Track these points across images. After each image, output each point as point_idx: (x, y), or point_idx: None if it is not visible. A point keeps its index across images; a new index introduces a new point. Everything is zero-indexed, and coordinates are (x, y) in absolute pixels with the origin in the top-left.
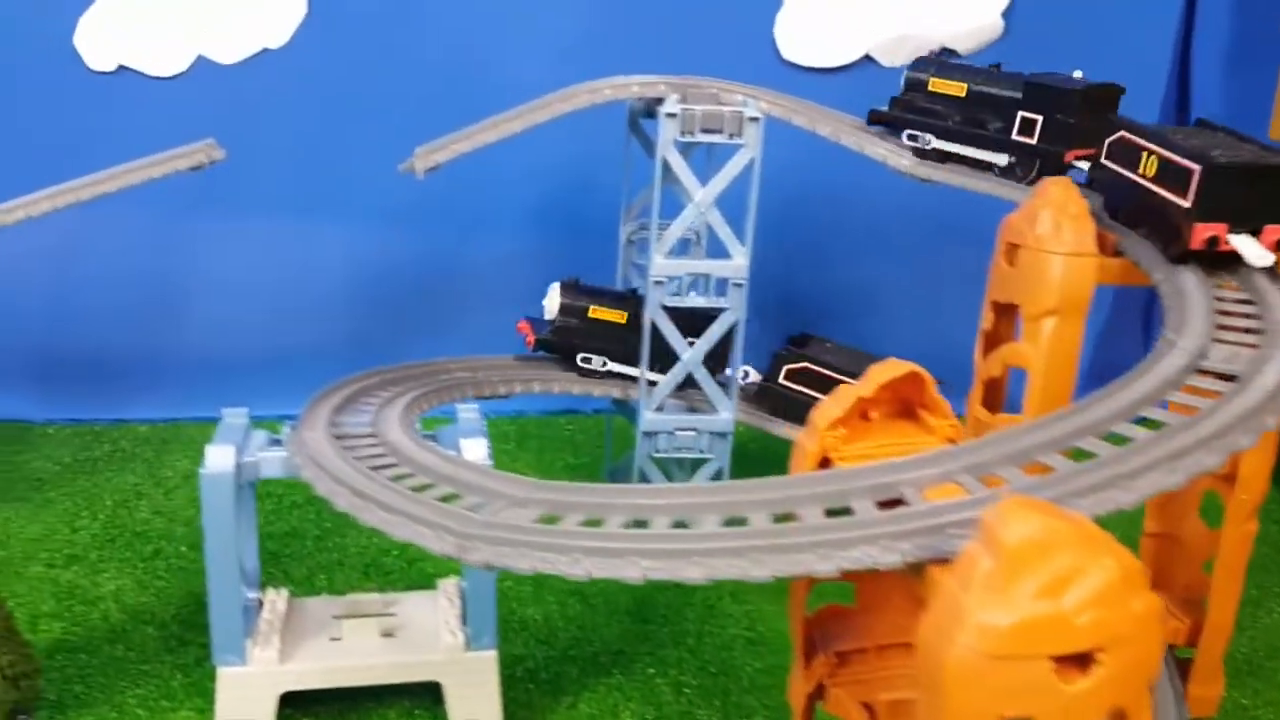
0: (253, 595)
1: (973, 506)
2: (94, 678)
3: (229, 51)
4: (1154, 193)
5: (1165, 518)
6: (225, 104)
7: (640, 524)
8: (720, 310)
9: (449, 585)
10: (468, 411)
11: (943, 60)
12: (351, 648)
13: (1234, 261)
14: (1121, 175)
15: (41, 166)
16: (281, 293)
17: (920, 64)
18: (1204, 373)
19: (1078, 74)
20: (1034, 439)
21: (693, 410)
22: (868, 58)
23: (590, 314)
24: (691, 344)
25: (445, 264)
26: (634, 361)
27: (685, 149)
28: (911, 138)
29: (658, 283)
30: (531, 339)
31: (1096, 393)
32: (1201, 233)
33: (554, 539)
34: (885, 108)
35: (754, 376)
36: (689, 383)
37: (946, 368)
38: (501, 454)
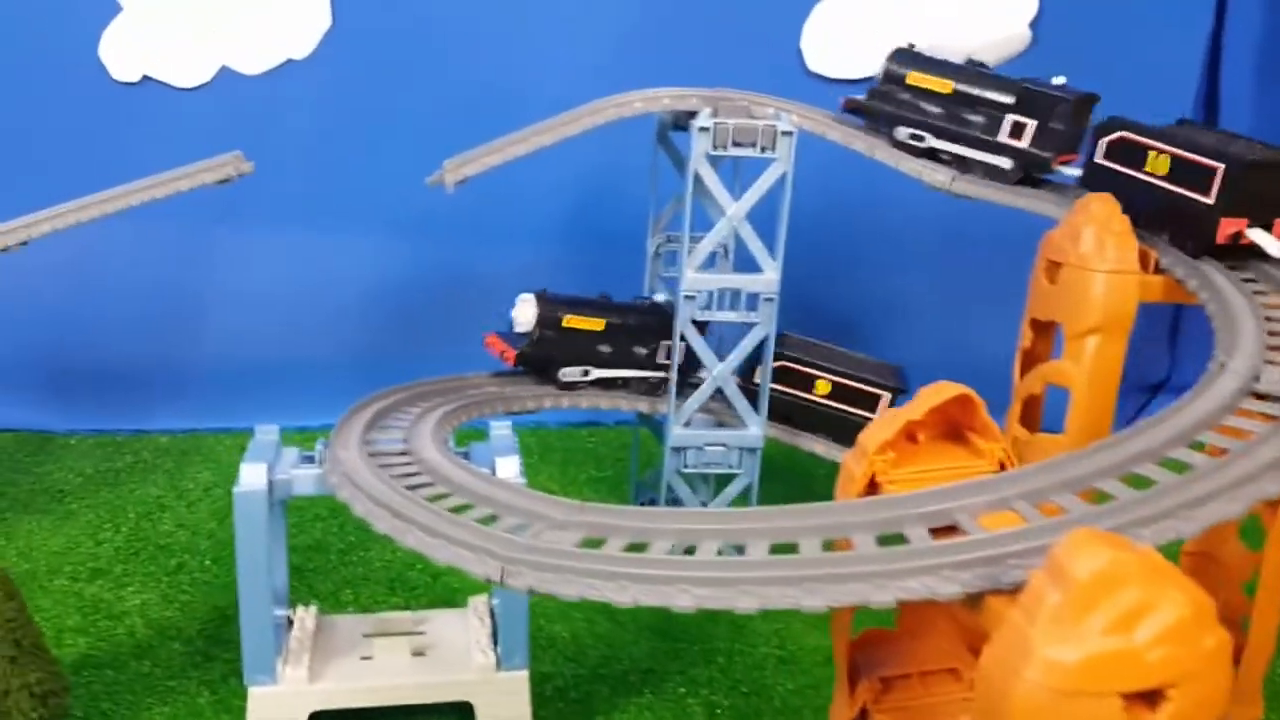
0: (282, 613)
1: (1032, 536)
2: (121, 694)
3: (253, 62)
4: (1169, 190)
5: (1205, 538)
6: (248, 115)
7: (687, 550)
8: (751, 325)
9: (479, 603)
10: (500, 428)
11: (920, 54)
12: (382, 667)
13: (1249, 254)
14: (1125, 175)
15: (65, 176)
16: (302, 304)
17: (899, 56)
18: (1259, 396)
19: (1060, 79)
20: (1091, 465)
21: (721, 425)
22: None
23: (565, 323)
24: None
25: (467, 276)
26: (613, 368)
27: (713, 161)
28: (916, 137)
29: (689, 297)
30: (511, 355)
31: (1151, 417)
32: (1227, 228)
33: (599, 564)
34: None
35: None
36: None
37: (968, 380)
38: (524, 467)
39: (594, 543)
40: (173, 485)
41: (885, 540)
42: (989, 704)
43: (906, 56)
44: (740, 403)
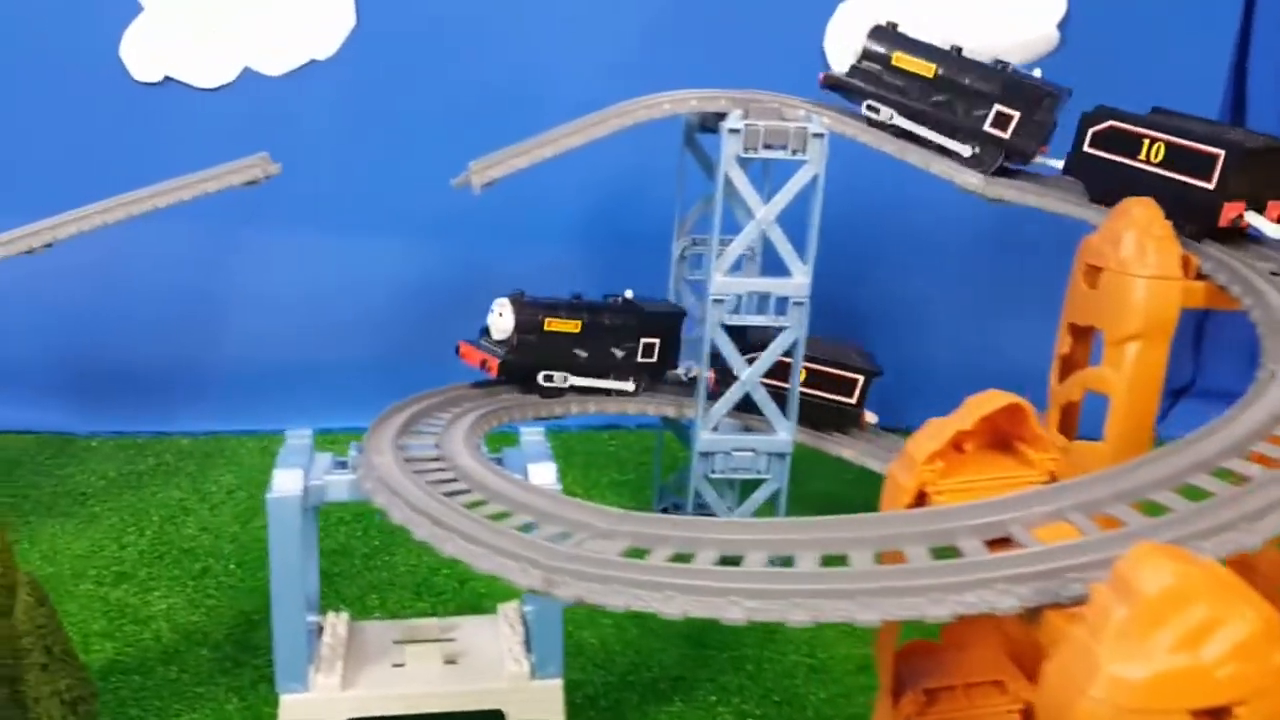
0: (314, 619)
1: (1091, 549)
2: (149, 701)
3: (275, 63)
4: (1167, 177)
5: None
6: (271, 116)
7: (733, 560)
8: (781, 328)
9: (509, 610)
10: (531, 434)
11: (901, 34)
12: (414, 674)
13: (1240, 237)
14: (1116, 163)
15: (84, 177)
16: (324, 306)
17: (879, 35)
18: None
19: (1037, 72)
20: (1145, 476)
21: (748, 430)
22: None
23: (547, 327)
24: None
25: (489, 278)
26: (590, 373)
27: (742, 163)
28: (871, 109)
29: (717, 300)
30: (495, 365)
31: (1202, 428)
32: (1229, 212)
33: (646, 574)
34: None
35: (695, 371)
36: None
37: (993, 385)
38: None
39: (639, 553)
40: (195, 488)
41: (938, 552)
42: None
43: (887, 35)
44: (769, 407)
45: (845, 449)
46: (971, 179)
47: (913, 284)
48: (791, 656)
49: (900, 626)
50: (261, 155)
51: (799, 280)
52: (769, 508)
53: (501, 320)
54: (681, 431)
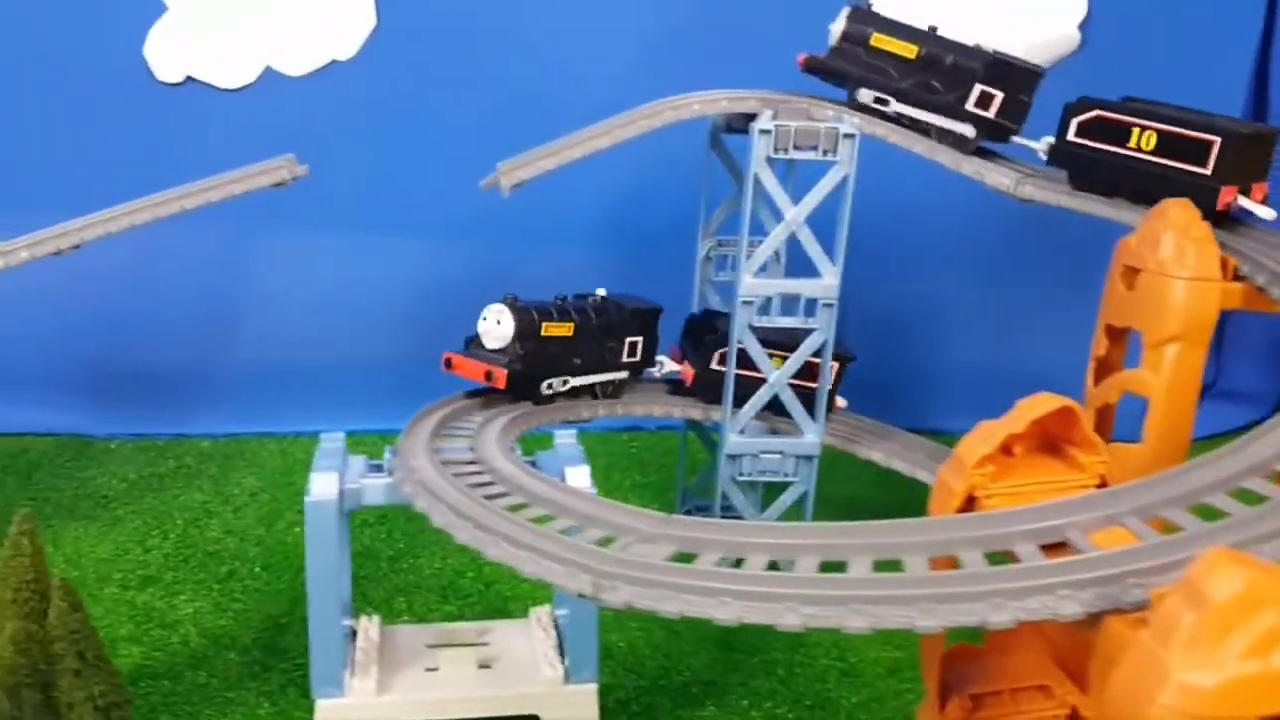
0: (347, 623)
1: (1151, 554)
2: (179, 706)
3: (297, 63)
4: (1159, 164)
5: None
6: (292, 116)
7: (784, 565)
8: (809, 330)
9: (542, 614)
10: (564, 436)
11: (879, 15)
12: (448, 679)
13: (1225, 220)
14: (1104, 151)
15: (106, 177)
16: (344, 308)
17: (857, 16)
18: None
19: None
20: (1200, 479)
21: (775, 432)
22: None
23: (544, 333)
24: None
25: (508, 280)
26: (583, 375)
27: (770, 164)
28: (881, 100)
29: (746, 302)
30: (503, 375)
31: (1251, 431)
32: (1225, 196)
33: (697, 580)
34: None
35: (670, 366)
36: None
37: (1023, 386)
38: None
39: (686, 557)
40: (218, 491)
41: (994, 558)
42: None
43: (866, 17)
44: (797, 410)
45: (875, 451)
46: (1003, 179)
47: (934, 285)
48: (822, 660)
49: (947, 631)
50: (288, 157)
51: (828, 281)
52: (796, 510)
53: (499, 327)
54: (705, 434)
